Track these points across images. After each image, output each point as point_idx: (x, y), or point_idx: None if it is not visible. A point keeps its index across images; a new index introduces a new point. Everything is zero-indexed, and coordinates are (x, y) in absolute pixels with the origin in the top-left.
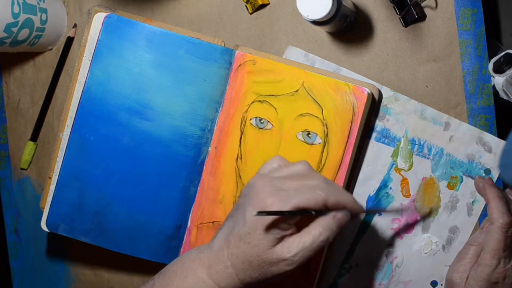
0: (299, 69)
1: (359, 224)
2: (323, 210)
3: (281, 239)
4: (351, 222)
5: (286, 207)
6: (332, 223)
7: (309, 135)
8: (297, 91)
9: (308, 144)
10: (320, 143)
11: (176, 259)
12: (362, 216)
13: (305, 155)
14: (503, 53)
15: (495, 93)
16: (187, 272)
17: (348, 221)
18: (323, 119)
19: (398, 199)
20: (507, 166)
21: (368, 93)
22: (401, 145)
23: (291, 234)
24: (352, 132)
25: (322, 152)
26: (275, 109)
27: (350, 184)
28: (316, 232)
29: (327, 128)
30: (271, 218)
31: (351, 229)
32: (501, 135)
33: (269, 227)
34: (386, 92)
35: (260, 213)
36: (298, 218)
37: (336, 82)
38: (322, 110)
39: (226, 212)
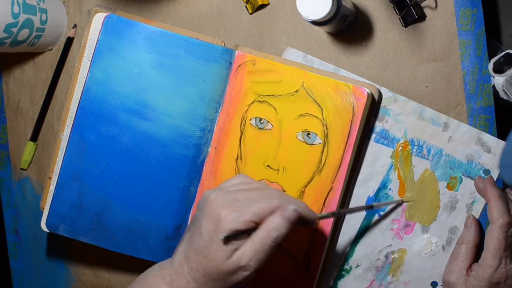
0: (299, 69)
1: (358, 226)
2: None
3: (237, 248)
4: (309, 227)
5: (240, 217)
6: (279, 221)
7: (309, 135)
8: (297, 91)
9: (308, 144)
10: (320, 143)
11: (139, 276)
12: (358, 221)
13: (305, 155)
14: (503, 53)
15: (495, 93)
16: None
17: (297, 218)
18: (323, 119)
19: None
20: (507, 166)
21: (368, 93)
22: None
23: (245, 241)
24: (352, 132)
25: (322, 152)
26: (275, 109)
27: (349, 184)
28: (264, 234)
29: (327, 128)
30: (226, 231)
31: (351, 231)
32: (501, 135)
33: (227, 240)
34: (385, 93)
35: (228, 237)
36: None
37: (336, 82)
38: (322, 110)
39: None
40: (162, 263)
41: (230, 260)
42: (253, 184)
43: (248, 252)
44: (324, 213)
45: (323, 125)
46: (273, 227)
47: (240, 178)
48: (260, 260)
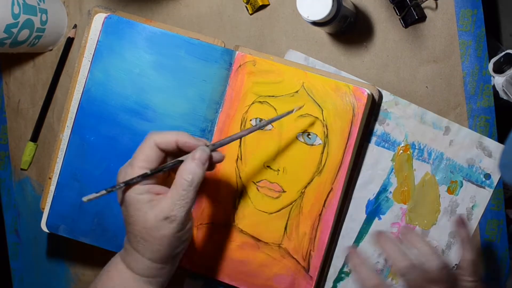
0: (299, 70)
1: (358, 229)
2: (173, 162)
3: (154, 202)
4: (217, 162)
5: (133, 169)
6: (191, 164)
7: (309, 136)
8: (297, 92)
9: (308, 145)
10: (320, 144)
11: None
12: (360, 215)
13: (305, 156)
14: (503, 53)
15: (495, 93)
16: (109, 267)
17: (207, 155)
18: (323, 120)
19: (397, 204)
20: (506, 166)
21: (368, 94)
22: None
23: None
24: (352, 133)
25: (322, 153)
26: (275, 109)
27: (349, 186)
28: (181, 181)
29: (327, 129)
30: (137, 191)
31: (351, 233)
32: (501, 135)
33: (140, 199)
34: (386, 96)
35: (109, 191)
36: (158, 176)
37: (336, 83)
38: (322, 111)
39: (226, 212)
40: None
41: (151, 214)
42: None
43: (168, 201)
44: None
45: (323, 126)
46: (186, 170)
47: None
48: (184, 207)
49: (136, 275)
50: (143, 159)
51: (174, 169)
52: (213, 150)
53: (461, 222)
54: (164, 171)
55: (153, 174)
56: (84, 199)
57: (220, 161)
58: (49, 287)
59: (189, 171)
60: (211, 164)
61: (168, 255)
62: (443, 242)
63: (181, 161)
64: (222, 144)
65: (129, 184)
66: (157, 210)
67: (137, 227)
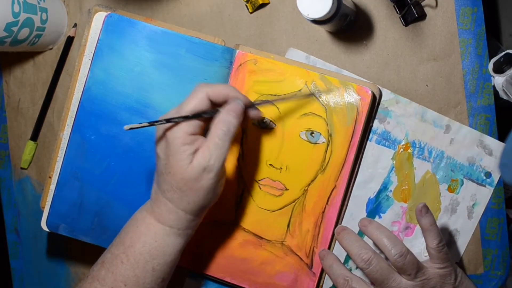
0: (301, 69)
1: (359, 227)
2: (213, 110)
3: (194, 153)
4: (252, 113)
5: (176, 114)
6: (227, 116)
7: (313, 134)
8: (300, 90)
9: (312, 143)
10: (323, 142)
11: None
12: (361, 213)
13: (308, 154)
14: (503, 53)
15: (495, 93)
16: (137, 222)
17: (242, 108)
18: (327, 118)
19: (398, 202)
20: (506, 166)
21: (372, 93)
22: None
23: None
24: (356, 131)
25: (326, 151)
26: (278, 108)
27: (349, 184)
28: (216, 131)
29: (330, 127)
30: (177, 142)
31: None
32: (501, 135)
33: (179, 149)
34: (387, 94)
35: (151, 123)
36: (200, 126)
37: (340, 82)
38: (326, 109)
39: (227, 211)
40: (146, 203)
41: (191, 165)
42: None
43: (206, 151)
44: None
45: (327, 124)
46: (223, 122)
47: None
48: (220, 157)
49: (167, 227)
50: (192, 108)
51: (211, 120)
52: (250, 106)
53: (421, 211)
54: (204, 116)
55: (194, 117)
56: (126, 127)
57: (257, 117)
58: (49, 286)
59: (224, 121)
60: (245, 118)
61: (202, 206)
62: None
63: (218, 111)
64: (263, 103)
65: (170, 122)
66: (196, 161)
67: (176, 177)
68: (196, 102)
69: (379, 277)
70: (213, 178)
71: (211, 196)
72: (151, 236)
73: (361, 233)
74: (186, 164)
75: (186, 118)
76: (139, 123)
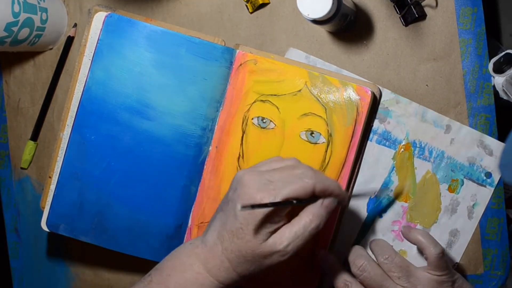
0: (301, 69)
1: (360, 227)
2: (310, 198)
3: (273, 232)
4: (337, 208)
5: (276, 200)
6: (321, 210)
7: (313, 135)
8: (300, 90)
9: (312, 143)
10: (324, 142)
11: (170, 253)
12: (362, 213)
13: (308, 154)
14: (503, 53)
15: (495, 93)
16: (184, 267)
17: (335, 206)
18: (327, 119)
19: (399, 202)
20: (507, 166)
21: (372, 93)
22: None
23: (283, 225)
24: (356, 131)
25: (326, 151)
26: (278, 108)
27: (349, 184)
28: (306, 221)
29: (330, 127)
30: (262, 213)
31: (352, 232)
32: (501, 135)
33: (261, 223)
34: (387, 94)
35: (245, 207)
36: (289, 208)
37: (340, 82)
38: (326, 109)
39: None
40: (193, 241)
41: (266, 243)
42: (285, 162)
43: (286, 237)
44: (354, 193)
45: (327, 124)
46: (315, 216)
47: (272, 158)
48: (298, 246)
49: (215, 281)
50: (293, 196)
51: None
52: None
53: (406, 229)
54: (298, 204)
55: (294, 205)
56: (240, 208)
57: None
58: (49, 286)
59: (318, 216)
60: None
61: (256, 276)
62: (444, 241)
63: (310, 201)
64: (354, 196)
65: (277, 205)
66: (274, 240)
67: (246, 246)
68: (299, 192)
69: (373, 284)
70: (282, 261)
71: (270, 271)
72: (197, 286)
73: (361, 233)
74: (262, 240)
75: (277, 204)
76: (257, 205)
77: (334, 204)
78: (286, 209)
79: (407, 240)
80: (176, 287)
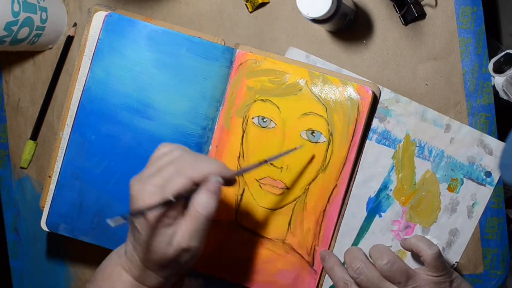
0: (302, 68)
1: (359, 226)
2: (193, 190)
3: (174, 234)
4: (230, 185)
5: (160, 202)
6: (206, 197)
7: (313, 134)
8: (300, 90)
9: (312, 142)
10: (324, 141)
11: (102, 263)
12: (361, 212)
13: (309, 153)
14: (503, 53)
15: (495, 93)
16: (113, 278)
17: (220, 185)
18: (327, 118)
19: (398, 201)
20: (507, 166)
21: (372, 92)
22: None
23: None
24: (357, 130)
25: (327, 150)
26: (278, 108)
27: (349, 183)
28: (195, 212)
29: (331, 126)
30: (154, 217)
31: (351, 231)
32: (501, 135)
33: (157, 224)
34: (387, 93)
35: (134, 214)
36: (181, 203)
37: (340, 81)
38: (327, 109)
39: (228, 210)
40: (118, 249)
41: (171, 246)
42: (155, 155)
43: (186, 234)
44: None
45: (328, 124)
46: (202, 205)
47: (160, 150)
48: (200, 237)
49: (143, 287)
50: (175, 193)
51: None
52: (230, 177)
53: (403, 242)
54: (184, 199)
55: (177, 200)
56: (112, 223)
57: (232, 185)
58: (49, 285)
59: (204, 205)
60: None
61: (180, 273)
62: (444, 240)
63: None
64: (255, 166)
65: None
66: (177, 241)
67: (155, 255)
68: (180, 189)
69: (371, 286)
70: (192, 256)
71: (189, 266)
72: None
73: (361, 232)
74: (167, 243)
75: (170, 203)
76: (122, 216)
77: (218, 184)
78: (178, 206)
79: (405, 249)
80: None
